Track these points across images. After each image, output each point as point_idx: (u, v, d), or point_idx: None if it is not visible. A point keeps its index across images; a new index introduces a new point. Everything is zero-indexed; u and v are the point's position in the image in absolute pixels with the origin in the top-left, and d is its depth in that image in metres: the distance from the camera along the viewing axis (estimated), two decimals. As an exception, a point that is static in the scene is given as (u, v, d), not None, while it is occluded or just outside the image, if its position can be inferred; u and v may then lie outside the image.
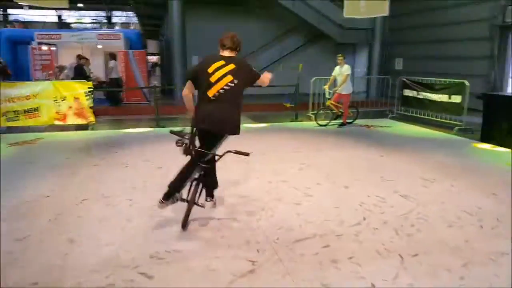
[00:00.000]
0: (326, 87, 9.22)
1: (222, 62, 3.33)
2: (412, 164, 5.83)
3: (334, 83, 9.08)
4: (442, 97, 8.67)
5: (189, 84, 3.46)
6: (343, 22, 15.83)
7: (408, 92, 9.80)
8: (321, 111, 9.32)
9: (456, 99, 8.32)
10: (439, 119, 9.04)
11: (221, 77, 3.27)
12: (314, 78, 10.39)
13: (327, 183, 4.90)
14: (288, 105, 12.83)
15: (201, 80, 3.34)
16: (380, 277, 2.83)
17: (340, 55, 9.03)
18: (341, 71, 8.80)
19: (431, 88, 9.05)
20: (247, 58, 16.10)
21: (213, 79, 3.28)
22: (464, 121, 8.44)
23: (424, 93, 9.21)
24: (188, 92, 3.47)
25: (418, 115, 9.66)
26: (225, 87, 3.26)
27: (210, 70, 3.30)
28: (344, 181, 4.94)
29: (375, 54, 15.67)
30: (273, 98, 14.09)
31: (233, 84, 3.28)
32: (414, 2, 13.14)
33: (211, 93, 3.28)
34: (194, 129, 3.44)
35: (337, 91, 8.90)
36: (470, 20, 11.38)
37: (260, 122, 9.74)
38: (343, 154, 6.52)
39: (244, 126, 9.31)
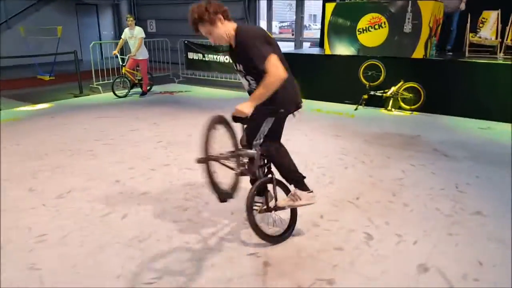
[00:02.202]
0: (115, 52, 8.10)
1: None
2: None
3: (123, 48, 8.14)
4: (228, 59, 9.34)
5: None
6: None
7: (192, 55, 9.96)
8: (118, 80, 8.19)
9: (243, 59, 9.16)
10: (224, 79, 9.75)
11: None
12: (93, 43, 8.86)
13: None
14: (47, 78, 10.53)
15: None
16: (361, 227, 3.09)
17: (129, 15, 8.12)
18: (134, 34, 7.94)
19: (216, 50, 9.54)
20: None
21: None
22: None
23: (210, 55, 9.62)
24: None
25: (204, 77, 10.05)
26: None
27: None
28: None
29: (123, 16, 14.68)
30: (20, 71, 11.16)
31: None
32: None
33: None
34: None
35: (132, 57, 8.03)
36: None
37: (36, 103, 7.60)
38: (188, 124, 6.05)
39: (17, 110, 7.05)
